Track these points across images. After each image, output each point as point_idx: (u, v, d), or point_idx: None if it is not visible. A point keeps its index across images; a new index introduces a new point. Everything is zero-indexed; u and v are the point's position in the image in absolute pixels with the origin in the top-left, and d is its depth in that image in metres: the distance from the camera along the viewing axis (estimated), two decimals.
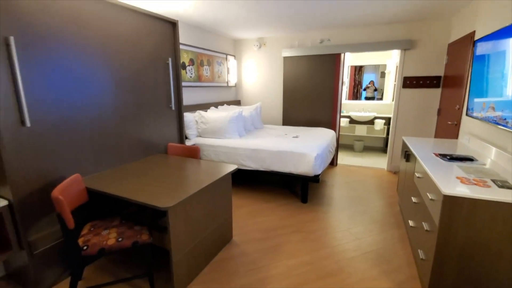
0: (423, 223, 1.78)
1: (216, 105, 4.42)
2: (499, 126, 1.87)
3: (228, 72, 4.84)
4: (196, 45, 3.99)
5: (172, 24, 2.70)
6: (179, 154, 2.67)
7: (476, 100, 2.33)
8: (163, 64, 2.64)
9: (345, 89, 5.83)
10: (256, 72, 5.00)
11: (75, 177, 1.70)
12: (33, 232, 1.72)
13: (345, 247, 2.26)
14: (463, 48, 2.94)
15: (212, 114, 3.62)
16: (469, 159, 2.00)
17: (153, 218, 2.04)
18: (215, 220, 2.11)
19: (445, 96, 3.51)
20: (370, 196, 3.32)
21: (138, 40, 2.34)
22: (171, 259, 1.66)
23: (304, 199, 3.14)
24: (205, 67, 4.18)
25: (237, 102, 5.16)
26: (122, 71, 2.22)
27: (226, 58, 4.76)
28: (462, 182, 1.54)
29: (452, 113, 3.15)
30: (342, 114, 5.64)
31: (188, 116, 3.55)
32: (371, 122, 5.53)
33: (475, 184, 1.51)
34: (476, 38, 2.61)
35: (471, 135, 2.49)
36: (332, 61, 4.29)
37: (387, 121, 5.31)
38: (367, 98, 5.76)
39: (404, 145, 2.80)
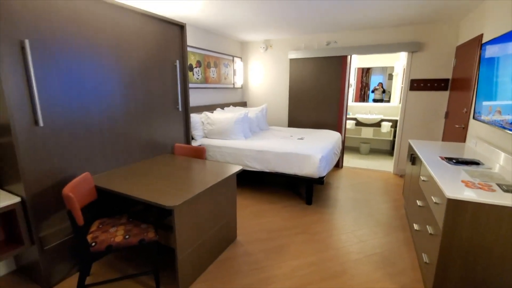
0: (427, 226, 1.78)
1: (222, 106, 4.47)
2: (506, 130, 1.85)
3: (234, 74, 4.89)
4: (203, 47, 4.05)
5: (180, 27, 2.75)
6: (186, 154, 2.71)
7: (483, 103, 2.31)
8: (171, 66, 2.69)
9: (351, 91, 5.82)
10: (262, 74, 5.03)
11: (85, 175, 1.76)
12: (44, 228, 1.78)
13: (349, 249, 2.26)
14: (471, 51, 2.92)
15: (218, 115, 3.66)
16: (475, 163, 1.98)
17: (159, 217, 2.08)
18: (220, 219, 2.14)
19: (453, 99, 3.47)
20: (376, 199, 3.30)
21: (147, 42, 2.40)
22: (176, 257, 1.69)
23: (309, 201, 3.14)
24: (212, 69, 4.23)
25: (243, 104, 5.20)
26: (131, 73, 2.28)
27: (233, 60, 4.81)
28: (467, 186, 1.53)
29: (460, 116, 3.12)
30: (348, 116, 5.63)
31: (194, 117, 3.60)
32: (377, 124, 5.49)
33: (480, 188, 1.50)
34: (483, 41, 2.59)
35: (478, 139, 2.47)
36: (339, 63, 4.29)
37: (394, 123, 5.28)
38: (375, 100, 5.72)
39: (410, 148, 2.79)
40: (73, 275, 1.95)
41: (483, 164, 1.97)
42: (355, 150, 5.89)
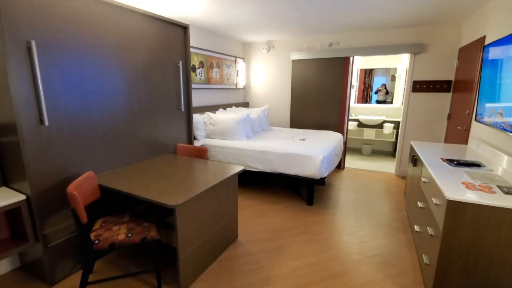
0: (427, 228, 1.78)
1: (224, 107, 4.49)
2: (507, 132, 1.85)
3: (237, 75, 4.91)
4: (206, 48, 4.07)
5: (183, 28, 2.78)
6: (188, 154, 2.74)
7: (485, 105, 2.31)
8: (174, 67, 2.72)
9: (354, 93, 5.81)
10: (265, 74, 5.05)
11: (89, 174, 1.78)
12: (49, 225, 1.81)
13: (350, 250, 2.27)
14: (473, 52, 2.91)
15: (220, 115, 3.68)
16: (477, 165, 1.98)
17: (161, 216, 2.10)
18: (221, 219, 2.16)
19: (456, 100, 3.47)
20: (377, 200, 3.30)
21: (151, 43, 2.42)
22: (178, 256, 1.71)
23: (310, 202, 3.15)
24: (214, 69, 4.26)
25: (246, 104, 5.22)
26: (135, 74, 2.31)
27: (235, 61, 4.83)
28: (467, 187, 1.54)
29: (462, 118, 3.11)
30: (350, 117, 5.62)
31: (197, 118, 3.62)
32: (380, 126, 5.49)
33: (480, 190, 1.51)
34: (486, 43, 2.59)
35: (480, 141, 2.47)
36: (341, 65, 4.30)
37: (397, 125, 5.27)
38: (378, 102, 5.71)
39: (412, 149, 2.79)
40: (76, 272, 1.98)
41: (484, 166, 1.97)
42: (357, 151, 5.88)
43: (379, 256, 2.19)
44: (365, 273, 2.00)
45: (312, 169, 2.93)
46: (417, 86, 3.88)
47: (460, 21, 3.45)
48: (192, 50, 3.73)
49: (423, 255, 1.84)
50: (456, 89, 3.51)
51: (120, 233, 1.67)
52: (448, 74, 3.69)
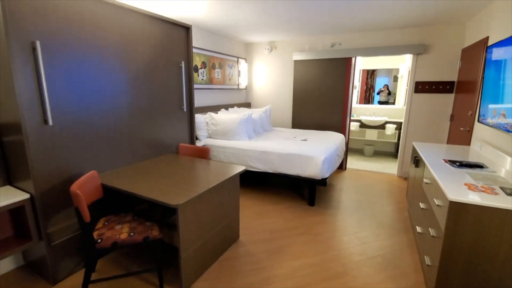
0: (429, 229, 1.78)
1: (226, 107, 4.50)
2: (511, 134, 1.85)
3: (239, 75, 4.92)
4: (208, 48, 4.09)
5: (185, 29, 2.79)
6: (190, 154, 2.75)
7: (488, 106, 2.30)
8: (176, 67, 2.73)
9: (356, 93, 5.80)
10: (267, 75, 5.06)
11: (92, 173, 1.80)
12: (52, 224, 1.82)
13: (351, 251, 2.27)
14: (477, 53, 2.90)
15: (222, 116, 3.69)
16: (479, 166, 1.97)
17: (163, 215, 2.12)
18: (223, 219, 2.17)
19: (458, 101, 3.45)
20: (379, 201, 3.29)
21: (153, 44, 2.44)
22: (179, 255, 1.72)
23: (312, 202, 3.15)
24: (216, 70, 4.27)
25: (247, 105, 5.23)
26: (137, 74, 2.32)
27: (237, 61, 4.84)
28: (469, 188, 1.53)
29: (465, 119, 3.10)
30: (352, 118, 5.61)
31: (199, 118, 3.64)
32: (382, 126, 5.47)
33: (483, 191, 1.50)
34: (489, 44, 2.58)
35: (483, 142, 2.46)
36: (343, 65, 4.29)
37: (399, 126, 5.25)
38: (380, 102, 5.70)
39: (414, 150, 2.78)
40: (79, 271, 1.99)
41: (487, 167, 1.96)
42: (359, 152, 5.87)
43: (380, 257, 2.19)
44: (366, 274, 1.99)
45: (313, 170, 2.93)
46: (420, 87, 3.87)
47: (463, 22, 3.44)
48: (194, 50, 3.75)
49: (425, 256, 1.83)
50: (458, 90, 3.49)
51: (122, 232, 1.68)
52: (450, 75, 3.68)
